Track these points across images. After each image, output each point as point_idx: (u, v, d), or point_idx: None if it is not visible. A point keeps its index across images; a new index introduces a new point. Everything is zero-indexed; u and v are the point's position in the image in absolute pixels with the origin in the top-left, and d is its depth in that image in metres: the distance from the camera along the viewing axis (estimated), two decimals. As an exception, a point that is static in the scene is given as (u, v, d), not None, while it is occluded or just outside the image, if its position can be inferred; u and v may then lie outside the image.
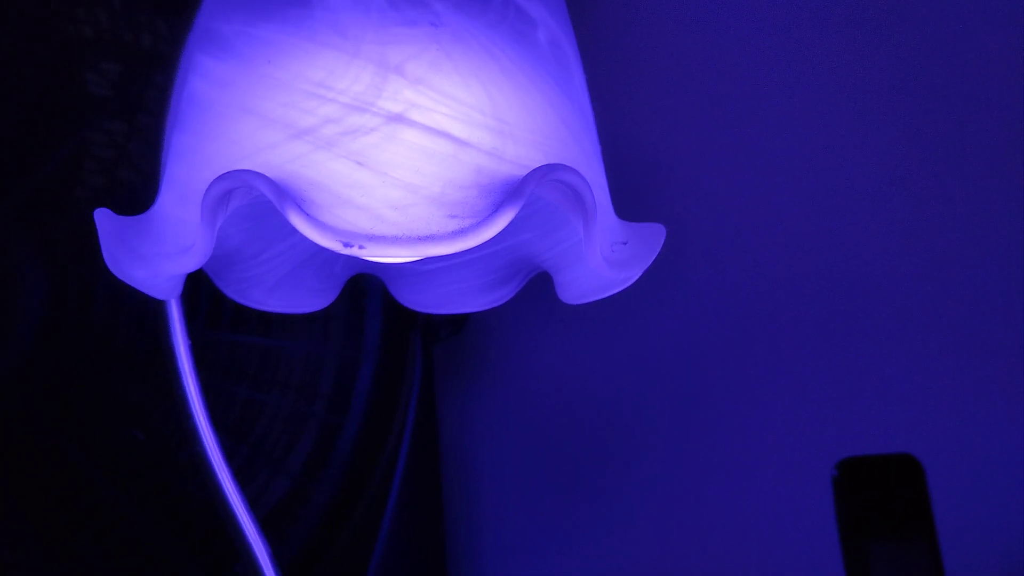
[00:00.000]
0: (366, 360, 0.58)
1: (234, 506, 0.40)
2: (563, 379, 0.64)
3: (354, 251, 0.24)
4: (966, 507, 0.56)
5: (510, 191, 0.25)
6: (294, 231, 0.37)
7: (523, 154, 0.27)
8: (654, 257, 0.31)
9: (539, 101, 0.28)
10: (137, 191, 0.54)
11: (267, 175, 0.25)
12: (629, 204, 0.35)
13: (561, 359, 0.65)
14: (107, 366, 0.52)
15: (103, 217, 0.28)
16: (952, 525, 0.52)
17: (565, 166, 0.26)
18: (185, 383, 0.36)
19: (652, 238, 0.32)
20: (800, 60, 0.58)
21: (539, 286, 0.39)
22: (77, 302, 0.51)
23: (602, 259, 0.28)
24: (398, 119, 0.26)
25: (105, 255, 0.29)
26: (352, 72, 0.26)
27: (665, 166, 0.60)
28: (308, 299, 0.38)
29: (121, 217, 0.28)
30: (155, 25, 0.53)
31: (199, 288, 0.54)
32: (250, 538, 0.41)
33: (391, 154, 0.25)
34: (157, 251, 0.27)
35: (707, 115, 0.59)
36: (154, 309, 0.53)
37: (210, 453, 0.37)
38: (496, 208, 0.25)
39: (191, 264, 0.25)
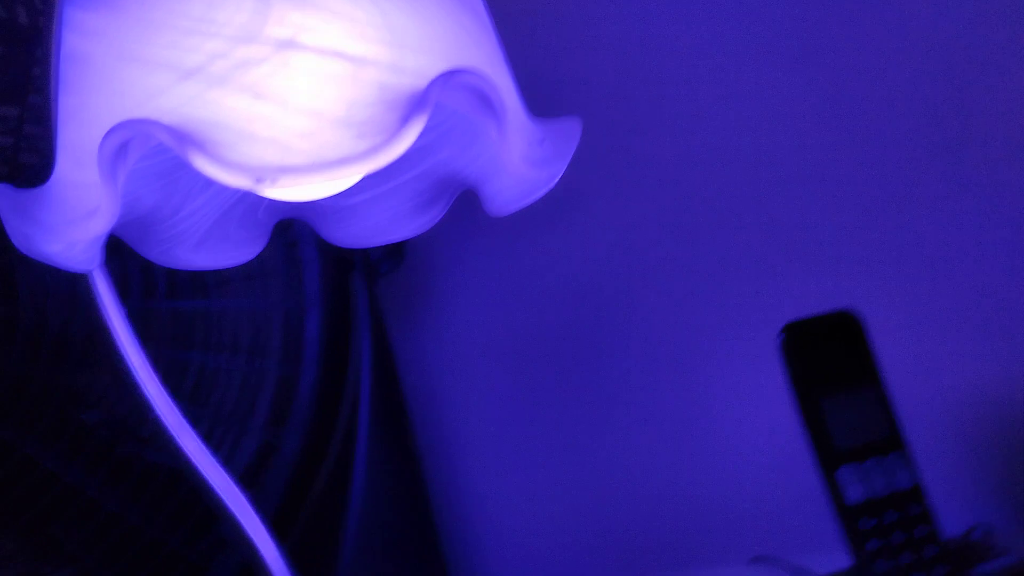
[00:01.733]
0: (311, 308, 0.57)
1: (205, 468, 0.40)
2: (506, 291, 0.65)
3: (267, 186, 0.24)
4: (911, 352, 0.58)
5: (415, 102, 0.25)
6: (209, 183, 0.37)
7: (423, 64, 0.26)
8: (573, 150, 0.31)
9: (432, 9, 0.27)
10: (40, 172, 0.52)
11: (161, 121, 0.24)
12: (543, 108, 0.35)
13: (501, 271, 0.65)
14: (45, 355, 0.51)
15: (1, 194, 0.27)
16: (903, 372, 0.55)
17: (467, 69, 0.25)
18: (128, 358, 0.36)
19: (569, 133, 0.32)
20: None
21: (468, 202, 0.39)
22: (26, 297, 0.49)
23: (520, 160, 0.28)
24: (289, 44, 0.25)
25: (11, 234, 0.28)
26: (232, 2, 0.25)
27: (578, 66, 0.59)
28: (235, 251, 0.38)
29: (20, 191, 0.27)
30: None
31: (127, 261, 0.52)
32: (228, 495, 0.41)
33: (288, 81, 0.25)
34: (63, 219, 0.26)
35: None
36: (82, 290, 0.51)
37: (170, 421, 0.37)
38: (404, 121, 0.24)
39: (99, 226, 0.25)
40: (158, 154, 0.32)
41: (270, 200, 0.38)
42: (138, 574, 0.49)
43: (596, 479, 0.64)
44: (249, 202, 0.38)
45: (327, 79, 0.25)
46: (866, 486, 0.54)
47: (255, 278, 0.56)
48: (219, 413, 0.54)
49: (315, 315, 0.58)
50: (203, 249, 0.36)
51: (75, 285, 0.51)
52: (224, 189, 0.37)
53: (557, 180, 0.33)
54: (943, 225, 0.58)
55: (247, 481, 0.51)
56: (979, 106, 0.56)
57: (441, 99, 0.25)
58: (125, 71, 0.25)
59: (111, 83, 0.25)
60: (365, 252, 0.61)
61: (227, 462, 0.50)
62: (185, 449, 0.40)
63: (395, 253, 0.63)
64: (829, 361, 0.56)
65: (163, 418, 0.38)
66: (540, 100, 0.33)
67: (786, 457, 0.60)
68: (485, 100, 0.26)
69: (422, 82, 0.26)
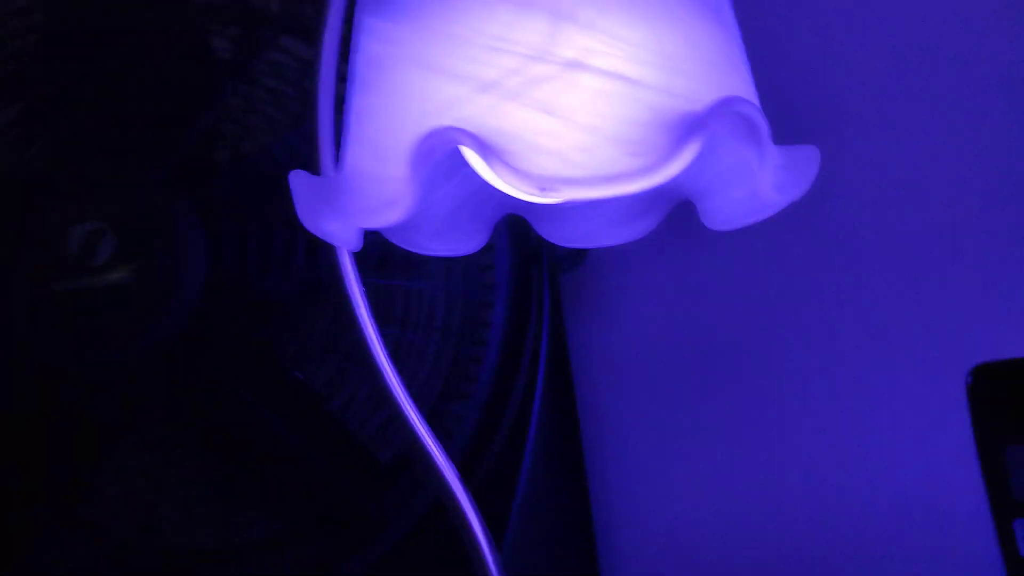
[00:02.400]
0: (498, 296, 0.60)
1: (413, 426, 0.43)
2: (678, 295, 0.66)
3: (550, 195, 0.26)
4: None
5: (691, 126, 0.27)
6: (450, 178, 0.40)
7: (692, 88, 0.28)
8: (812, 180, 0.32)
9: (700, 34, 0.29)
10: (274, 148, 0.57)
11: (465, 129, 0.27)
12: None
13: (676, 275, 0.66)
14: (263, 318, 0.56)
15: (298, 179, 0.31)
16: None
17: (743, 99, 0.27)
18: (365, 330, 0.39)
19: (808, 161, 0.32)
20: None
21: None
22: (232, 260, 0.54)
23: (767, 192, 0.29)
24: (575, 65, 0.27)
25: (300, 213, 0.31)
26: (527, 23, 0.27)
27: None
28: (466, 241, 0.41)
29: (315, 177, 0.31)
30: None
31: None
32: (421, 434, 0.44)
33: (572, 99, 0.27)
34: (360, 207, 0.29)
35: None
36: (302, 263, 0.56)
37: (393, 386, 0.40)
38: (678, 143, 0.26)
39: (396, 217, 0.28)
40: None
41: (499, 196, 0.41)
42: (330, 525, 0.54)
43: (747, 489, 0.64)
44: (481, 197, 0.41)
45: (606, 98, 0.27)
46: (1045, 541, 0.53)
47: (453, 263, 0.59)
48: (411, 386, 0.58)
49: (501, 303, 0.61)
50: (439, 237, 0.39)
51: (294, 258, 0.56)
52: (462, 183, 0.40)
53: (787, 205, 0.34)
54: None
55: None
56: None
57: (715, 124, 0.27)
58: (425, 79, 0.28)
59: (411, 88, 0.29)
60: (551, 247, 0.64)
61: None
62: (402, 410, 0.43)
63: (578, 253, 0.65)
64: (1018, 408, 0.55)
65: (384, 382, 0.42)
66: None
67: (952, 500, 0.59)
68: (753, 130, 0.27)
69: (690, 105, 0.28)
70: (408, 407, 0.40)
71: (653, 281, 0.65)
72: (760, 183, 0.29)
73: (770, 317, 0.62)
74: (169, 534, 0.54)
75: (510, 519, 0.58)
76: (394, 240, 0.39)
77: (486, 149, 0.26)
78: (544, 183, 0.26)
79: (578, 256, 0.66)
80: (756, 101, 0.32)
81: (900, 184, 0.58)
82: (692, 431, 0.64)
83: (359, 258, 0.58)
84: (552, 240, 0.43)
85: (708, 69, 0.29)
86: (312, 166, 0.45)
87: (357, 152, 0.30)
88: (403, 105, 0.29)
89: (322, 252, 0.55)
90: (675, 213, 0.41)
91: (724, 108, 0.27)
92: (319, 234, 0.32)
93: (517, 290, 0.62)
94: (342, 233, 0.32)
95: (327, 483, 0.53)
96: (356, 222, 0.29)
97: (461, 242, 0.41)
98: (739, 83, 0.30)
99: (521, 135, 0.27)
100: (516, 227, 0.59)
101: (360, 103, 0.31)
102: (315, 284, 0.56)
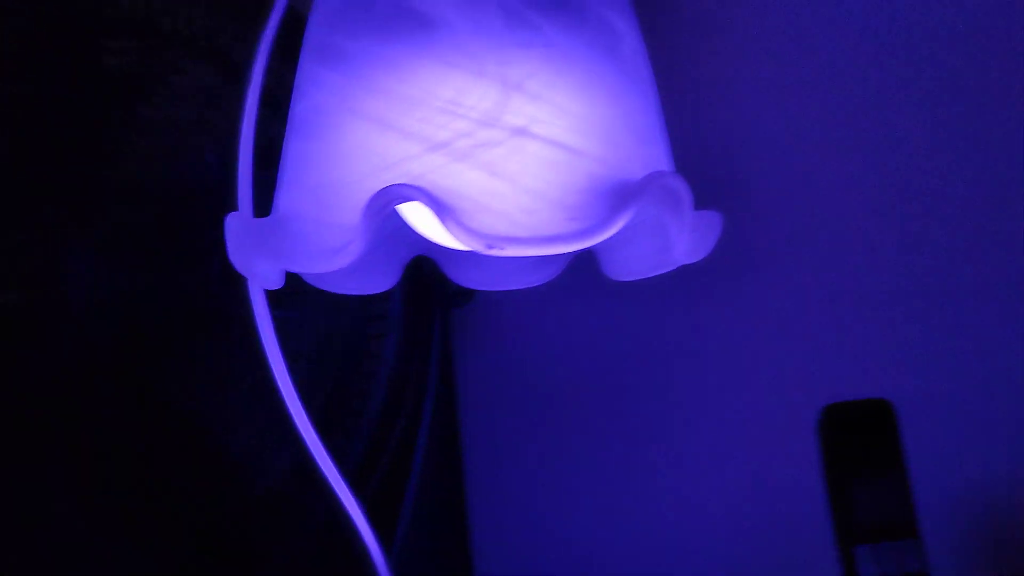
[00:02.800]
0: (390, 331, 0.61)
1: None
2: (555, 334, 0.69)
3: (495, 252, 0.28)
4: (932, 444, 0.63)
5: (625, 195, 0.29)
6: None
7: (624, 158, 0.31)
8: (714, 242, 0.36)
9: (631, 108, 0.32)
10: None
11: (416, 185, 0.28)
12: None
13: (555, 317, 0.69)
14: (150, 346, 0.54)
15: (234, 220, 0.31)
16: (922, 460, 0.59)
17: (671, 173, 0.30)
18: (269, 352, 0.39)
19: (712, 225, 0.36)
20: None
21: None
22: (120, 287, 0.52)
23: (681, 254, 0.32)
24: (522, 132, 0.29)
25: (232, 252, 0.32)
26: (479, 90, 0.29)
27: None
28: (379, 280, 0.42)
29: (251, 220, 0.31)
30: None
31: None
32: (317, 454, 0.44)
33: (518, 164, 0.29)
34: (304, 251, 0.30)
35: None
36: (195, 291, 0.55)
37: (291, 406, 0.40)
38: (615, 210, 0.29)
39: (344, 262, 0.29)
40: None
41: (412, 239, 0.42)
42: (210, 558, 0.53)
43: (607, 513, 0.68)
44: (395, 239, 0.42)
45: (549, 165, 0.29)
46: (880, 567, 0.59)
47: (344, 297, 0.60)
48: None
49: (392, 338, 0.62)
50: (353, 277, 0.40)
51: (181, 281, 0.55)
52: (380, 227, 0.41)
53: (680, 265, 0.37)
54: (976, 324, 0.63)
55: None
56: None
57: (643, 195, 0.29)
58: (377, 134, 0.29)
59: (361, 142, 0.30)
60: (444, 285, 0.65)
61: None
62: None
63: (468, 290, 0.68)
64: (862, 444, 0.61)
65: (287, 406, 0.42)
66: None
67: (799, 526, 0.65)
68: (678, 201, 0.30)
69: (623, 175, 0.30)
70: (307, 430, 0.41)
71: (537, 320, 0.67)
72: (675, 245, 0.32)
73: (639, 350, 0.66)
74: (47, 568, 0.50)
75: (395, 540, 0.59)
76: (308, 279, 0.40)
77: (441, 207, 0.27)
78: (491, 241, 0.28)
79: (469, 293, 0.68)
80: (673, 168, 0.35)
81: (764, 232, 0.64)
82: (562, 459, 0.67)
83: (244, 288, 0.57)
84: (459, 282, 0.45)
85: (638, 141, 0.32)
86: (213, 195, 0.44)
87: (299, 198, 0.31)
88: (353, 157, 0.30)
89: (217, 281, 0.54)
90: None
91: (656, 181, 0.29)
92: (248, 274, 0.32)
93: (410, 325, 0.63)
94: (271, 274, 0.32)
95: (206, 514, 0.52)
96: (300, 266, 0.30)
97: (374, 281, 0.42)
98: (662, 154, 0.33)
99: (470, 194, 0.28)
100: (410, 265, 0.61)
101: (302, 149, 0.31)
102: (207, 313, 0.55)
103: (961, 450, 0.62)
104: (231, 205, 0.39)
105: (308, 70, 0.31)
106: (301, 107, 0.32)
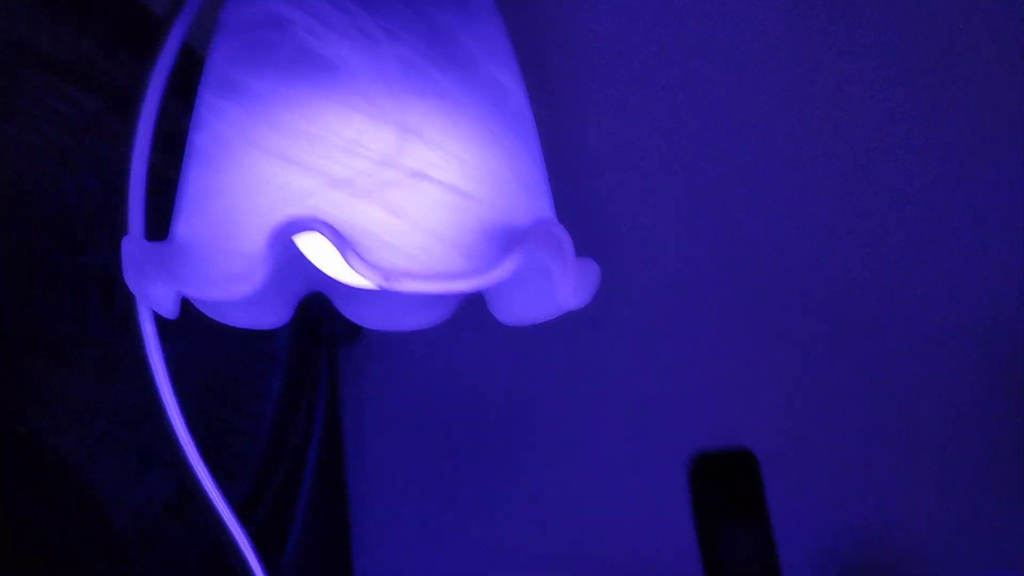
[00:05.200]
0: (276, 371, 0.61)
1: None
2: (442, 382, 0.70)
3: (393, 286, 0.29)
4: (796, 492, 0.67)
5: (512, 240, 0.31)
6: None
7: (511, 206, 0.33)
8: (595, 289, 0.38)
9: (518, 159, 0.34)
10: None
11: (308, 219, 0.29)
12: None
13: (440, 353, 0.70)
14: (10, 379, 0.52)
15: (130, 243, 0.31)
16: (787, 508, 0.63)
17: (555, 222, 0.32)
18: (161, 390, 0.39)
19: (591, 272, 0.38)
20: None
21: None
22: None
23: (566, 300, 0.34)
24: (419, 175, 0.31)
25: (128, 275, 0.32)
26: (379, 132, 0.31)
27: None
28: (271, 316, 0.42)
29: (148, 244, 0.32)
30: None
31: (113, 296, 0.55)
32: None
33: (415, 204, 0.31)
34: (203, 278, 0.30)
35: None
36: (66, 314, 0.53)
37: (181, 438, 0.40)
38: (503, 254, 0.31)
39: (246, 289, 0.29)
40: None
41: (306, 274, 0.43)
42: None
43: (493, 552, 0.68)
44: (289, 274, 0.43)
45: (444, 207, 0.31)
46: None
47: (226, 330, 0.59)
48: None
49: (279, 378, 0.61)
50: (247, 310, 0.41)
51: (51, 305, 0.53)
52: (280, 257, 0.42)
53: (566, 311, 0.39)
54: (835, 368, 0.68)
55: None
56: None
57: (533, 242, 0.31)
58: (279, 167, 0.30)
59: (262, 175, 0.31)
60: (331, 323, 0.66)
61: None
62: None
63: (355, 328, 0.68)
64: (728, 493, 0.65)
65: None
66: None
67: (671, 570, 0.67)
68: (560, 248, 0.32)
69: (511, 220, 0.32)
70: (193, 457, 0.40)
71: (424, 359, 0.68)
72: (559, 291, 0.34)
73: (525, 397, 0.68)
74: None
75: None
76: (203, 309, 0.40)
77: (342, 240, 0.28)
78: (390, 275, 0.29)
79: (356, 331, 0.68)
80: (554, 215, 0.37)
81: (629, 285, 0.67)
82: (447, 497, 0.68)
83: (122, 316, 0.56)
84: (351, 319, 0.46)
85: (523, 189, 0.34)
86: (94, 220, 0.44)
87: (199, 225, 0.32)
88: (256, 189, 0.31)
89: (92, 307, 0.53)
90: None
91: (542, 227, 0.31)
92: (144, 299, 0.33)
93: (296, 364, 0.63)
94: (167, 300, 0.33)
95: (68, 548, 0.50)
96: (202, 292, 0.30)
97: (267, 316, 0.42)
98: (545, 202, 0.35)
99: (370, 230, 0.30)
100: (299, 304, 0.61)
101: (203, 179, 0.32)
102: (64, 339, 0.53)
103: (824, 498, 0.67)
104: (117, 230, 0.39)
105: (209, 101, 0.32)
106: (200, 137, 0.32)
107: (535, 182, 0.35)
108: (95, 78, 0.55)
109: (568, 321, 0.68)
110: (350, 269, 0.29)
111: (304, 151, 0.30)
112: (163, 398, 0.39)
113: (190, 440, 0.41)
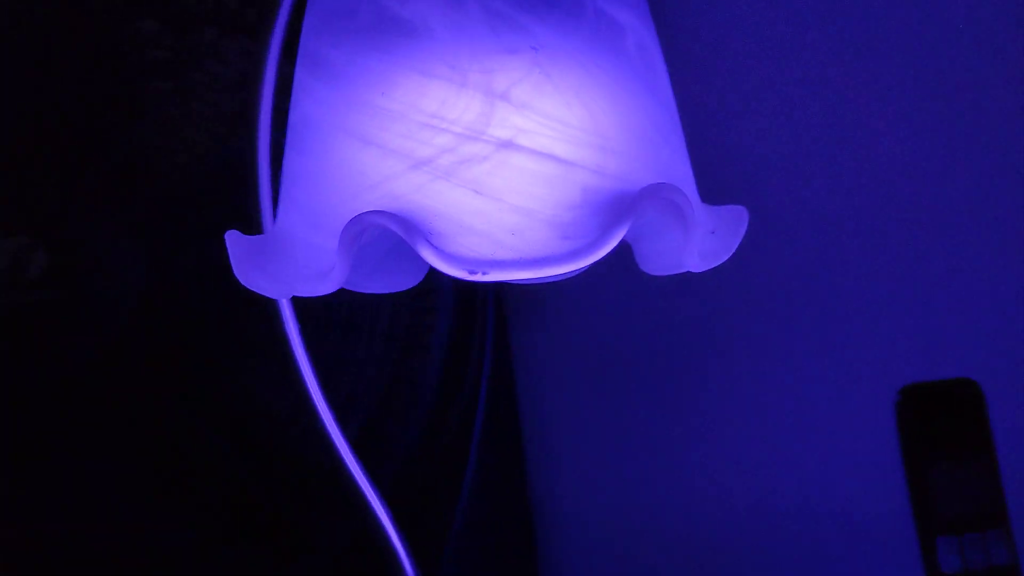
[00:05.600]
0: (442, 308, 0.61)
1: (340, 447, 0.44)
2: (613, 314, 0.67)
3: (478, 278, 0.26)
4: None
5: (618, 211, 0.27)
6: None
7: (624, 168, 0.28)
8: (739, 242, 0.33)
9: (634, 111, 0.29)
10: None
11: (395, 208, 0.27)
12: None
13: (613, 285, 0.67)
14: (200, 329, 0.56)
15: (233, 240, 0.30)
16: (1013, 445, 0.55)
17: (669, 186, 0.27)
18: (296, 352, 0.39)
19: (736, 222, 0.33)
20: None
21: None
22: (167, 274, 0.54)
23: (698, 259, 0.30)
24: (508, 145, 0.27)
25: (237, 274, 0.31)
26: (463, 102, 0.27)
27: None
28: (402, 278, 0.41)
29: (249, 238, 0.31)
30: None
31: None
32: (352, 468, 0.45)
33: (504, 180, 0.27)
34: (294, 275, 0.29)
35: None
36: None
37: (327, 425, 0.40)
38: (606, 229, 0.27)
39: (328, 288, 0.28)
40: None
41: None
42: (255, 540, 0.54)
43: (673, 491, 0.66)
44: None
45: (539, 179, 0.27)
46: (964, 558, 0.55)
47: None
48: (352, 396, 0.58)
49: (446, 315, 0.61)
50: (377, 275, 0.39)
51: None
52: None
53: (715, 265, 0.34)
54: None
55: (369, 458, 0.56)
56: None
57: (641, 210, 0.27)
58: (359, 150, 0.28)
59: (344, 158, 0.28)
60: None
61: (354, 442, 0.54)
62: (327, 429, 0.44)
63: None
64: (944, 428, 0.57)
65: (318, 420, 0.42)
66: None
67: (878, 513, 0.61)
68: (678, 212, 0.28)
69: (623, 186, 0.28)
70: (338, 436, 0.41)
71: (593, 291, 0.65)
72: (685, 255, 0.29)
73: (702, 328, 0.63)
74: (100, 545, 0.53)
75: (454, 519, 0.60)
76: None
77: (412, 233, 0.26)
78: (472, 266, 0.26)
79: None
80: (687, 168, 0.32)
81: (829, 213, 0.59)
82: (625, 433, 0.66)
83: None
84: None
85: (640, 147, 0.29)
86: (246, 181, 0.44)
87: (290, 215, 0.30)
88: (336, 174, 0.29)
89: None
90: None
91: (650, 194, 0.27)
92: (255, 289, 0.32)
93: (461, 300, 0.63)
94: (275, 292, 0.32)
95: (257, 495, 0.54)
96: (289, 290, 0.29)
97: (398, 280, 0.41)
98: (669, 157, 0.30)
99: (452, 215, 0.27)
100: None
101: (293, 163, 0.31)
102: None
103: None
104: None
105: (299, 77, 0.30)
106: (293, 117, 0.31)
107: (658, 135, 0.30)
108: (244, 27, 0.55)
109: (757, 247, 0.62)
110: (431, 263, 0.26)
111: (380, 130, 0.28)
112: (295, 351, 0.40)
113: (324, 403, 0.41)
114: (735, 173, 0.59)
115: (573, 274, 0.29)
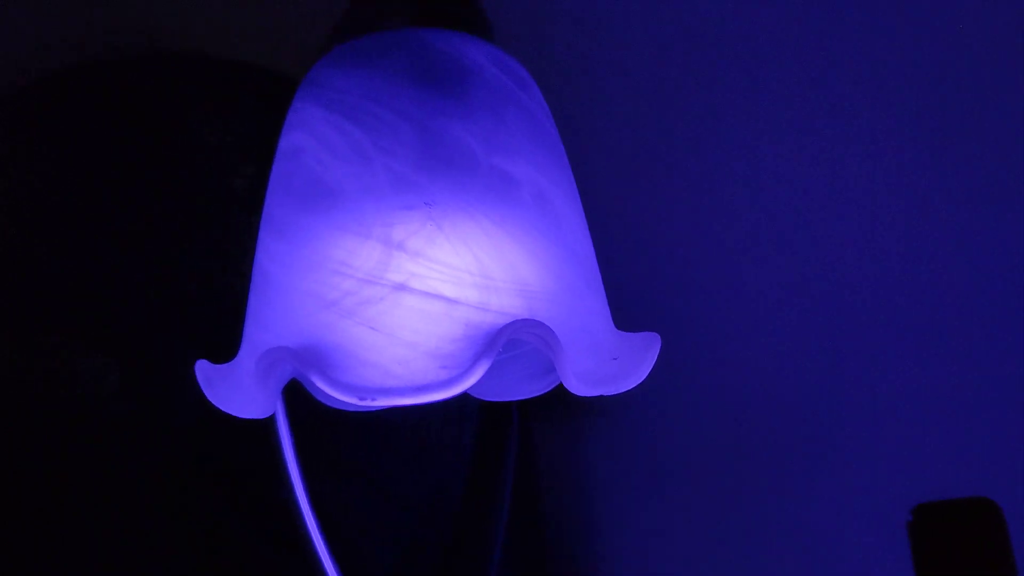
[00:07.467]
0: (467, 419, 0.65)
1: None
2: (638, 424, 0.69)
3: (367, 403, 0.31)
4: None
5: (487, 343, 0.31)
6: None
7: (506, 303, 0.33)
8: (648, 368, 0.36)
9: (521, 252, 0.34)
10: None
11: (302, 343, 0.32)
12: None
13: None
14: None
15: (200, 368, 0.37)
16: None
17: (530, 320, 0.31)
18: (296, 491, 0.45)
19: (644, 348, 0.36)
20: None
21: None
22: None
23: (576, 387, 0.33)
24: (401, 287, 0.32)
25: (207, 395, 0.37)
26: (365, 251, 0.33)
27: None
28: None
29: (213, 367, 0.37)
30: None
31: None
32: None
33: (396, 317, 0.32)
34: (240, 399, 0.35)
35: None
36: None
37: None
38: (476, 359, 0.31)
39: (256, 415, 0.33)
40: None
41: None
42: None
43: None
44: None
45: (425, 316, 0.32)
46: None
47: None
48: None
49: (471, 426, 0.65)
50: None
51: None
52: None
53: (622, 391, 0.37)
54: None
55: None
56: None
57: (516, 337, 0.31)
58: (292, 296, 0.34)
59: (283, 303, 0.34)
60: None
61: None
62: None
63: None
64: (961, 551, 0.55)
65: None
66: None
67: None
68: (548, 346, 0.32)
69: (502, 320, 0.32)
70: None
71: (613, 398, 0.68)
72: (564, 380, 0.33)
73: (726, 448, 0.64)
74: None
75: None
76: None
77: (307, 366, 0.31)
78: (363, 393, 0.31)
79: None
80: (587, 296, 0.36)
81: (843, 328, 0.60)
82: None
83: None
84: (474, 395, 0.48)
85: (523, 284, 0.33)
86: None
87: (244, 347, 0.36)
88: (276, 316, 0.34)
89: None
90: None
91: (512, 329, 0.31)
92: (226, 410, 0.38)
93: (486, 412, 0.66)
94: (234, 410, 0.37)
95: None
96: (234, 412, 0.35)
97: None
98: (559, 290, 0.34)
99: (349, 349, 0.32)
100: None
101: (250, 305, 0.37)
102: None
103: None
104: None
105: (260, 233, 0.37)
106: (254, 267, 0.37)
107: (549, 269, 0.34)
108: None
109: (766, 353, 0.63)
110: (327, 392, 0.31)
111: (304, 277, 0.33)
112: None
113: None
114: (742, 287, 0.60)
115: (450, 398, 0.33)
